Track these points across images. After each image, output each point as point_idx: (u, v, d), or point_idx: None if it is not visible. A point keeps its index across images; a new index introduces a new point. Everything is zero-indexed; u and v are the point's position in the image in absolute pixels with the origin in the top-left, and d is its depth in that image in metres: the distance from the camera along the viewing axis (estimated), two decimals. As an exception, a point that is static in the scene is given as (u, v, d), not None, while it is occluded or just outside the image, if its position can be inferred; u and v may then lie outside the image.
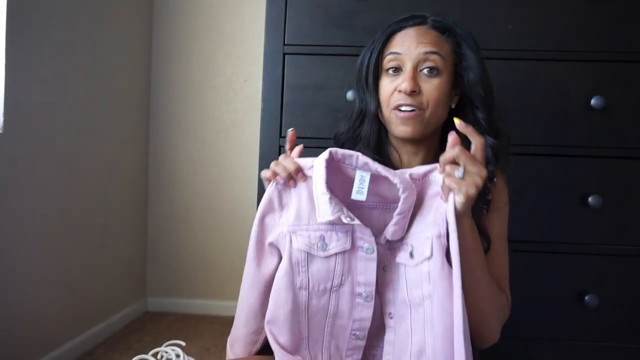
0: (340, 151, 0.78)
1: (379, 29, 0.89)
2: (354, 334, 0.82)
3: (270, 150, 1.22)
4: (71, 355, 1.80)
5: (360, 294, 0.79)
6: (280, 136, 1.22)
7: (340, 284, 0.80)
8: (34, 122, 1.61)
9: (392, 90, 0.83)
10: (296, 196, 0.81)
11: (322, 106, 1.21)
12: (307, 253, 0.79)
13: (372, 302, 0.79)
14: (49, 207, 1.69)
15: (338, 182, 0.80)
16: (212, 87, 2.39)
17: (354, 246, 0.79)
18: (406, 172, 0.79)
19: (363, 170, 0.77)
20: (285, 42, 1.23)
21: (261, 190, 1.26)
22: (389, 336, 0.81)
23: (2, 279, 1.48)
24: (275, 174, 0.81)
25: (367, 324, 0.81)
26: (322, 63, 1.22)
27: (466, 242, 0.75)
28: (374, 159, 0.81)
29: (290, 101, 1.22)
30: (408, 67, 0.82)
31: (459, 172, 0.71)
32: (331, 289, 0.80)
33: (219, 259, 2.38)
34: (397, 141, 0.89)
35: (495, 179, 0.88)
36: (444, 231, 0.74)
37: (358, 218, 0.77)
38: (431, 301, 0.74)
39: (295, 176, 0.80)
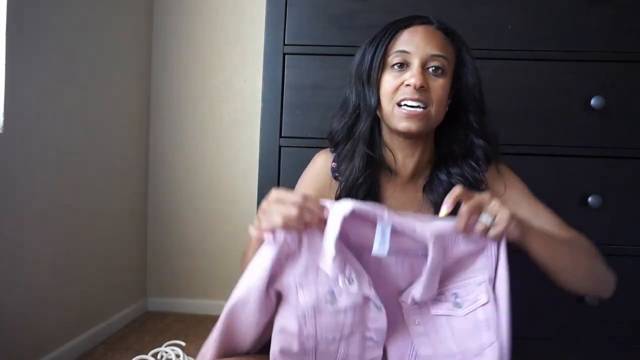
0: (365, 208, 0.69)
1: (379, 29, 0.89)
2: (365, 340, 0.77)
3: (270, 151, 1.22)
4: (71, 355, 1.80)
5: (371, 338, 0.76)
6: (280, 136, 1.22)
7: (351, 333, 0.75)
8: (34, 122, 1.61)
9: (397, 85, 0.83)
10: (306, 246, 0.72)
11: (322, 106, 1.21)
12: (315, 308, 0.73)
13: (383, 343, 0.76)
14: (48, 207, 1.69)
15: (355, 226, 0.72)
16: (212, 87, 2.39)
17: (366, 300, 0.74)
18: (426, 231, 0.72)
19: (385, 223, 0.70)
20: (285, 42, 1.23)
21: (261, 190, 1.26)
22: (424, 351, 0.76)
23: (1, 279, 1.48)
24: (286, 225, 0.68)
25: (381, 336, 0.77)
26: (322, 63, 1.22)
27: (547, 246, 0.75)
28: (369, 156, 0.85)
29: (290, 101, 1.22)
30: (415, 64, 0.82)
31: (486, 219, 0.70)
32: (340, 338, 0.75)
33: (219, 259, 2.38)
34: (392, 141, 0.88)
35: (485, 181, 0.90)
36: (492, 274, 0.73)
37: (374, 266, 0.73)
38: (492, 349, 0.71)
39: (318, 225, 0.71)
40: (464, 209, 0.70)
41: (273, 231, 0.69)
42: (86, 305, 1.93)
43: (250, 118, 2.34)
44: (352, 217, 0.69)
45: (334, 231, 0.68)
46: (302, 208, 0.69)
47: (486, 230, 0.70)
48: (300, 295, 0.72)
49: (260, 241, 0.72)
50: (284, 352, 0.73)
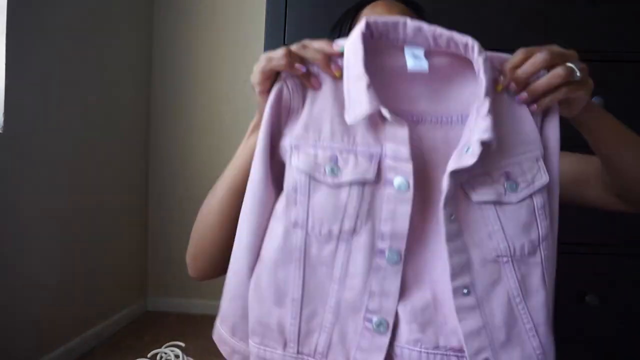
0: (380, 19, 0.57)
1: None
2: (369, 320, 0.55)
3: (270, 151, 1.22)
4: (71, 355, 1.80)
5: (382, 251, 0.55)
6: (280, 136, 1.22)
7: (354, 231, 0.55)
8: (34, 122, 1.61)
9: None
10: (310, 100, 0.59)
11: (322, 106, 1.21)
12: (310, 177, 0.56)
13: (401, 267, 0.55)
14: (48, 207, 1.69)
15: (375, 81, 0.57)
16: (212, 87, 2.40)
17: (379, 178, 0.55)
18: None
19: (414, 46, 0.57)
20: (285, 42, 1.23)
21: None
22: (469, 325, 0.55)
23: (2, 279, 1.48)
24: (291, 64, 0.58)
25: (392, 306, 0.55)
26: (322, 63, 1.22)
27: (616, 132, 0.67)
28: None
29: (290, 101, 1.22)
30: None
31: (575, 71, 0.60)
32: (339, 235, 0.55)
33: (219, 259, 2.38)
34: None
35: None
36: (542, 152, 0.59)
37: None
38: (547, 245, 0.58)
39: (326, 67, 0.58)
40: (543, 53, 0.60)
41: (272, 80, 0.59)
42: (86, 305, 1.93)
43: (250, 118, 2.33)
44: (370, 57, 0.57)
45: (357, 51, 0.56)
46: (306, 45, 0.59)
47: (564, 80, 0.59)
48: (294, 158, 0.57)
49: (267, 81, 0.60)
50: (261, 258, 0.59)
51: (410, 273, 0.57)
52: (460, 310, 0.55)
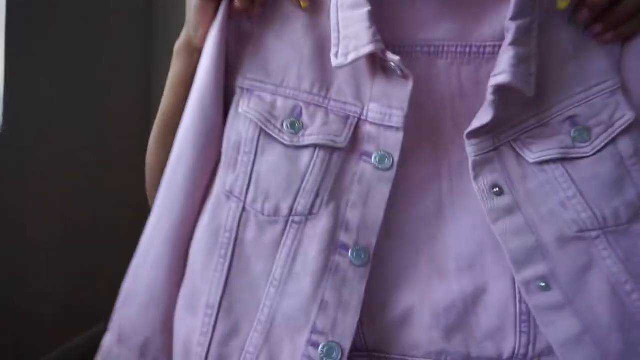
0: None
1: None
2: (314, 344, 0.38)
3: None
4: (71, 355, 1.80)
5: (345, 247, 0.40)
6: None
7: (310, 213, 0.41)
8: (34, 122, 1.61)
9: None
10: (276, 32, 0.45)
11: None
12: (261, 131, 0.42)
13: (367, 272, 0.40)
14: (48, 207, 1.69)
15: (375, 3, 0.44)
16: (212, 87, 2.39)
17: (354, 148, 0.42)
18: None
19: None
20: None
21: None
22: (560, 330, 0.38)
23: (2, 279, 1.48)
24: None
25: (350, 326, 0.38)
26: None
27: None
28: None
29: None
30: None
31: None
32: (289, 216, 0.41)
33: (219, 259, 2.38)
34: None
35: None
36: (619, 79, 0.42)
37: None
38: None
39: None
40: None
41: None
42: (87, 304, 1.92)
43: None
44: None
45: None
46: None
47: None
48: (243, 104, 0.44)
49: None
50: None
51: (417, 259, 0.42)
52: (541, 313, 0.39)
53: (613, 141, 0.42)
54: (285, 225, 0.41)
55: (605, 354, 0.37)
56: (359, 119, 0.43)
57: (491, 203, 0.41)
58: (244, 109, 0.43)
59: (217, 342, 0.40)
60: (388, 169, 0.41)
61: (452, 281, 0.42)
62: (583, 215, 0.40)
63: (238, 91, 0.44)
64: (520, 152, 0.42)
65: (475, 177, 0.41)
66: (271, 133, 0.42)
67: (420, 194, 0.43)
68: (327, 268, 0.40)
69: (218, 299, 0.40)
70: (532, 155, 0.41)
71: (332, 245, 0.40)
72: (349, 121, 0.43)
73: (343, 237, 0.40)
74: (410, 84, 0.41)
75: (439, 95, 0.44)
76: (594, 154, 0.41)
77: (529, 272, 0.40)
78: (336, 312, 0.39)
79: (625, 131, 0.41)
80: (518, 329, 0.40)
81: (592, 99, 0.43)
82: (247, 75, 0.44)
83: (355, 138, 0.42)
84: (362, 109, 0.43)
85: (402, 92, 0.41)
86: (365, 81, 0.43)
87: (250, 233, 0.41)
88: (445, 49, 0.44)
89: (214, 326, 0.40)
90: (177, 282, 0.44)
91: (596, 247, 0.40)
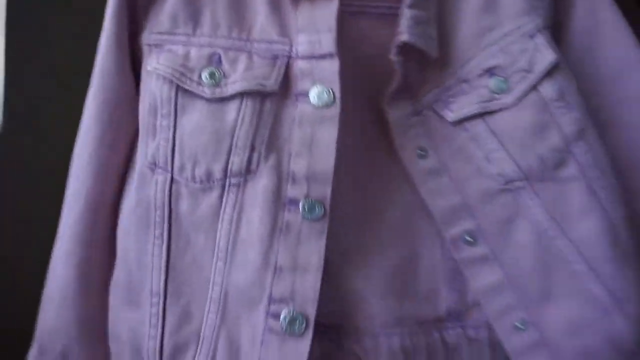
0: None
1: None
2: (275, 315, 0.34)
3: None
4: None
5: (294, 202, 0.36)
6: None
7: (248, 172, 0.36)
8: (34, 122, 1.61)
9: None
10: None
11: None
12: (178, 87, 0.38)
13: (325, 225, 0.35)
14: (48, 207, 1.69)
15: None
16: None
17: (288, 90, 0.38)
18: None
19: None
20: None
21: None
22: (483, 280, 0.40)
23: (1, 279, 1.48)
24: None
25: (312, 290, 0.35)
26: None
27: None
28: None
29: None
30: None
31: None
32: (224, 179, 0.36)
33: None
34: None
35: None
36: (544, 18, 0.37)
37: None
38: (585, 147, 0.39)
39: None
40: None
41: None
42: (86, 305, 1.92)
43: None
44: None
45: None
46: None
47: None
48: (152, 61, 0.37)
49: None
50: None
51: (358, 230, 0.39)
52: (467, 266, 0.40)
53: (534, 87, 0.40)
54: (222, 191, 0.36)
55: (523, 299, 0.39)
56: (289, 58, 0.38)
57: (416, 166, 0.40)
58: (154, 66, 0.36)
59: (170, 332, 0.36)
60: (330, 105, 0.36)
61: (391, 249, 0.42)
62: (507, 168, 0.40)
63: (145, 49, 0.37)
64: (442, 113, 0.41)
65: (400, 143, 0.40)
66: (189, 88, 0.36)
67: (354, 160, 0.40)
68: (276, 229, 0.35)
69: (162, 285, 0.36)
70: (451, 114, 0.41)
71: (279, 202, 0.36)
72: (278, 62, 0.38)
73: (290, 192, 0.36)
74: (335, 3, 0.37)
75: (363, 56, 0.41)
76: (516, 103, 0.40)
77: (456, 229, 0.41)
78: (293, 275, 0.35)
79: (547, 75, 0.40)
80: (449, 287, 0.41)
81: (508, 46, 0.41)
82: (153, 30, 0.37)
83: (288, 79, 0.38)
84: (291, 45, 0.38)
85: (327, 11, 0.37)
86: (289, 13, 0.40)
87: (184, 206, 0.36)
88: (367, 9, 0.43)
89: (163, 315, 0.36)
90: (95, 279, 0.36)
91: (522, 198, 0.40)
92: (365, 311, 0.39)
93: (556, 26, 0.43)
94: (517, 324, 0.39)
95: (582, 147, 0.40)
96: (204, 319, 0.36)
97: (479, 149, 0.41)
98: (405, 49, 0.38)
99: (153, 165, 0.37)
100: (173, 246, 0.37)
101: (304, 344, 0.34)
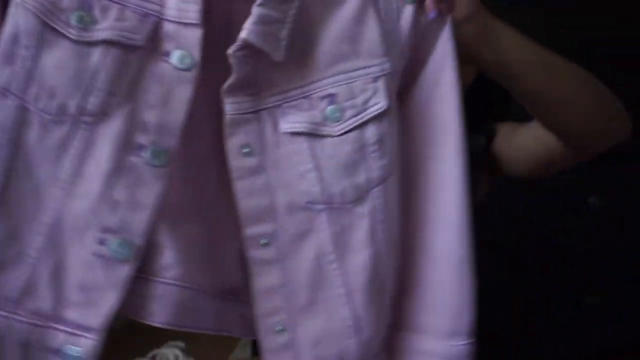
0: None
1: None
2: (102, 241, 0.39)
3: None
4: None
5: (142, 148, 0.40)
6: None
7: (102, 113, 0.38)
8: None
9: None
10: None
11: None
12: (44, 23, 0.38)
13: (166, 173, 0.40)
14: (49, 207, 1.69)
15: None
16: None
17: (156, 50, 0.40)
18: None
19: None
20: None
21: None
22: (264, 281, 0.44)
23: (2, 279, 1.49)
24: None
25: (143, 224, 0.40)
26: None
27: (508, 57, 0.52)
28: None
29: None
30: None
31: None
32: (77, 116, 0.38)
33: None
34: None
35: None
36: (394, 65, 0.44)
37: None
38: (382, 192, 0.44)
39: None
40: None
41: None
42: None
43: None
44: None
45: None
46: None
47: None
48: None
49: None
50: None
51: (185, 189, 0.43)
52: (255, 264, 0.44)
53: (361, 126, 0.43)
54: (74, 126, 0.38)
55: (289, 305, 0.44)
56: (159, 18, 0.40)
57: (239, 162, 0.42)
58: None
59: None
60: (188, 69, 0.40)
61: (199, 224, 0.46)
62: (314, 189, 0.43)
63: None
64: (277, 120, 0.43)
65: (229, 135, 0.42)
66: (56, 26, 0.37)
67: (199, 126, 0.43)
68: (120, 168, 0.39)
69: None
70: (284, 125, 0.43)
71: (128, 146, 0.39)
72: (149, 19, 0.40)
73: (139, 138, 0.39)
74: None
75: (232, 29, 0.42)
76: (340, 135, 0.43)
77: (256, 229, 0.43)
78: (127, 210, 0.39)
79: (374, 118, 0.43)
80: (241, 273, 0.46)
81: (353, 82, 0.44)
82: None
83: (155, 38, 0.40)
84: (162, 7, 0.40)
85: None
86: None
87: (32, 134, 0.38)
88: None
89: None
90: None
91: (318, 219, 0.44)
92: (162, 261, 0.46)
93: (408, 75, 0.47)
94: (278, 326, 0.44)
95: (380, 191, 0.45)
96: (31, 240, 0.38)
97: (298, 164, 0.44)
98: (249, 46, 0.40)
99: (5, 90, 0.37)
100: (13, 171, 0.38)
101: (126, 269, 0.39)
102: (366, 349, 0.45)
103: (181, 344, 1.03)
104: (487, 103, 0.72)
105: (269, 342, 0.45)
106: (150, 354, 0.95)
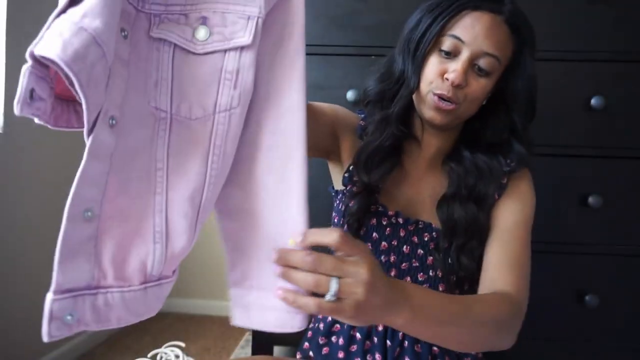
0: None
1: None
2: None
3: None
4: (71, 355, 1.80)
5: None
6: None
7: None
8: (34, 122, 1.61)
9: (439, 73, 0.76)
10: None
11: (322, 106, 1.21)
12: None
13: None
14: (48, 207, 1.69)
15: None
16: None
17: None
18: None
19: None
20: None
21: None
22: (93, 167, 0.52)
23: (1, 279, 1.48)
24: None
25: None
26: (322, 63, 1.22)
27: (426, 324, 0.58)
28: (400, 130, 0.77)
29: (289, 101, 1.22)
30: (464, 57, 0.74)
31: (330, 294, 0.48)
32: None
33: (219, 259, 2.38)
34: (423, 121, 0.83)
35: (507, 179, 0.84)
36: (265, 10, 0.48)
37: None
38: (226, 119, 0.48)
39: None
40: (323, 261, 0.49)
41: None
42: (86, 305, 1.92)
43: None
44: None
45: None
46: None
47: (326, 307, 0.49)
48: None
49: None
50: None
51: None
52: (91, 149, 0.51)
53: (222, 52, 0.47)
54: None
55: (105, 198, 0.51)
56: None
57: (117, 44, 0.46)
58: None
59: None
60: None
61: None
62: (163, 97, 0.47)
63: None
64: (152, 26, 0.47)
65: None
66: None
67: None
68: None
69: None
70: (156, 30, 0.47)
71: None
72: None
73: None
74: None
75: None
76: (201, 54, 0.47)
77: (106, 115, 0.48)
78: None
79: (236, 49, 0.47)
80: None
81: (228, 13, 0.48)
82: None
83: None
84: None
85: None
86: None
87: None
88: None
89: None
90: None
91: (159, 125, 0.47)
92: None
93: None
94: (87, 214, 0.49)
95: (224, 118, 0.47)
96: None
97: (156, 70, 0.47)
98: None
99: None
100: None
101: None
102: (172, 258, 0.48)
103: (181, 344, 1.03)
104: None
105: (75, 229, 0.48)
106: (151, 353, 0.95)
